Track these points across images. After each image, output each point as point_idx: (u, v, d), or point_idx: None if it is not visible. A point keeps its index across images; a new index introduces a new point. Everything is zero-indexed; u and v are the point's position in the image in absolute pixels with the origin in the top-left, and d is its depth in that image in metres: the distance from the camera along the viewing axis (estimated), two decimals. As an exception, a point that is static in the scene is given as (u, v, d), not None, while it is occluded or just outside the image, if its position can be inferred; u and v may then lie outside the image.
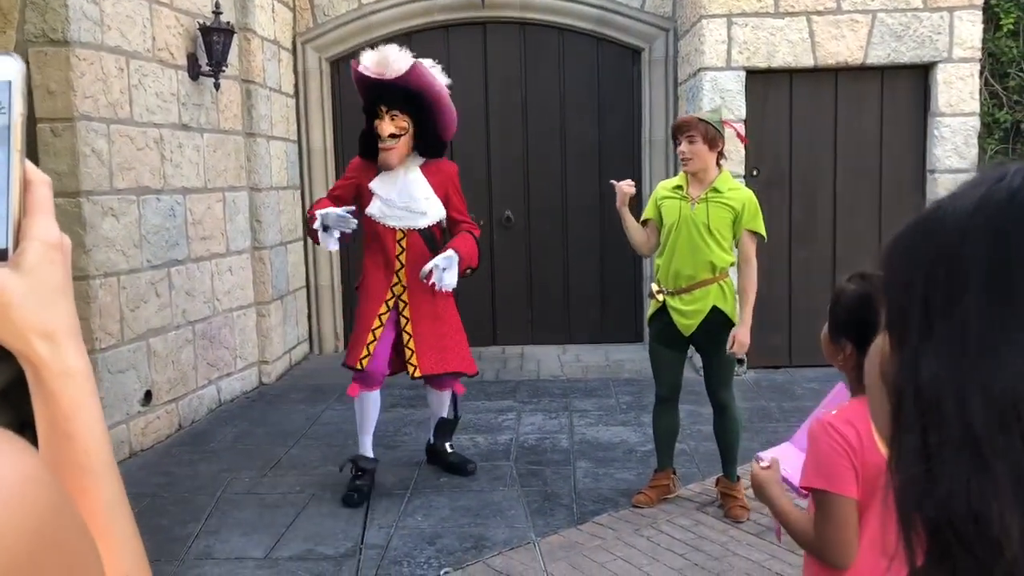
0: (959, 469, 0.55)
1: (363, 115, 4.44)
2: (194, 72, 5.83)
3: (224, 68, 5.97)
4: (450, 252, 4.30)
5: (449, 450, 4.83)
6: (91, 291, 4.74)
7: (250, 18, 6.51)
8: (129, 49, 5.12)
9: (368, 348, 4.37)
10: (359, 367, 4.38)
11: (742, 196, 4.02)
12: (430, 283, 4.26)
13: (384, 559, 3.79)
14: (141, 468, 4.91)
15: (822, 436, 1.70)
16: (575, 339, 7.92)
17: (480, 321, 7.86)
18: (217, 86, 6.05)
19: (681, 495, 4.40)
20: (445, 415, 4.80)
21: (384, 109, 4.26)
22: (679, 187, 4.12)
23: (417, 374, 4.45)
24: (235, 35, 6.12)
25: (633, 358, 7.36)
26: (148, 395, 5.25)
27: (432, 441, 4.87)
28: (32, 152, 4.80)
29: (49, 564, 0.52)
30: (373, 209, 4.38)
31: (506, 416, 5.82)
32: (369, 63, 4.27)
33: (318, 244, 4.41)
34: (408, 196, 4.36)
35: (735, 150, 6.32)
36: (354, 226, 4.29)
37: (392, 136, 4.27)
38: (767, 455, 1.89)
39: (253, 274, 6.75)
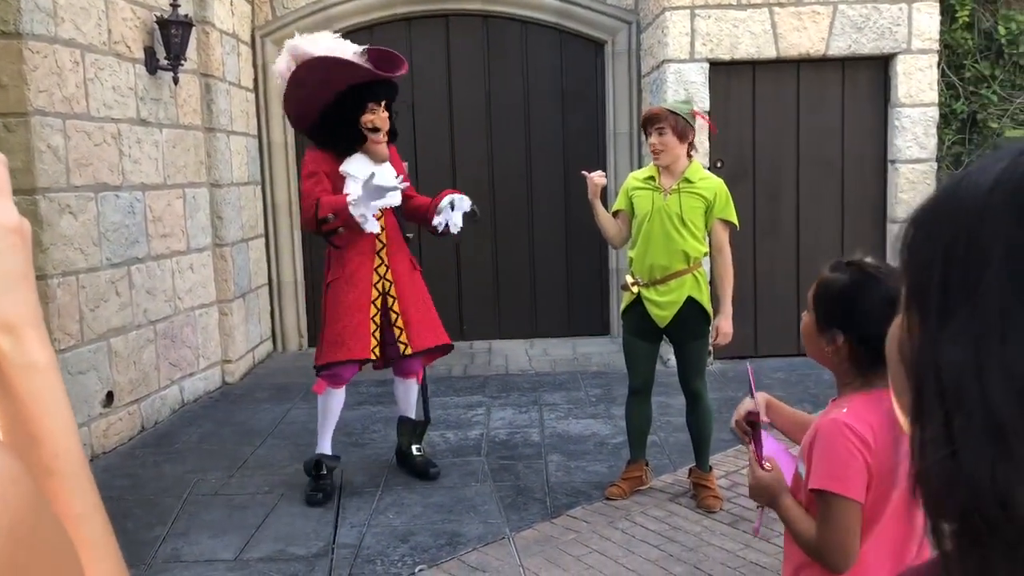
0: (984, 454, 0.53)
1: (320, 107, 4.31)
2: (152, 66, 5.70)
3: (183, 62, 5.85)
4: (461, 194, 4.49)
5: (416, 452, 4.68)
6: (49, 291, 4.62)
7: (208, 11, 6.39)
8: (84, 42, 4.99)
9: (374, 337, 4.38)
10: (373, 356, 4.38)
11: (713, 185, 4.03)
12: (437, 224, 4.42)
13: (357, 558, 3.74)
14: (104, 471, 4.80)
15: (838, 437, 1.63)
16: (542, 333, 7.91)
17: (447, 316, 7.76)
18: (176, 80, 5.93)
19: (654, 487, 4.40)
20: (412, 415, 4.72)
21: (379, 104, 4.35)
22: (651, 178, 4.11)
23: (409, 351, 4.47)
24: (193, 28, 6.00)
25: (601, 351, 7.37)
26: (110, 396, 5.14)
27: (399, 444, 4.77)
28: (-15, 148, 4.66)
29: (27, 565, 0.49)
30: (350, 190, 4.30)
31: (476, 411, 5.79)
32: (328, 50, 4.25)
33: (365, 229, 4.23)
34: (383, 175, 4.34)
35: (699, 141, 6.35)
36: (402, 182, 4.32)
37: (380, 129, 4.37)
38: (766, 456, 1.83)
39: (214, 272, 6.63)
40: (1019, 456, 0.52)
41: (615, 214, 4.25)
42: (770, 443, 1.88)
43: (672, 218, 4.00)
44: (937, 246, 0.59)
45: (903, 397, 0.64)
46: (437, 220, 4.46)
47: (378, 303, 4.42)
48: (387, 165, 4.44)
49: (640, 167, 7.54)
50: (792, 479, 1.81)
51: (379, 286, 4.43)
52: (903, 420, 0.65)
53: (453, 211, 4.44)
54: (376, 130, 4.34)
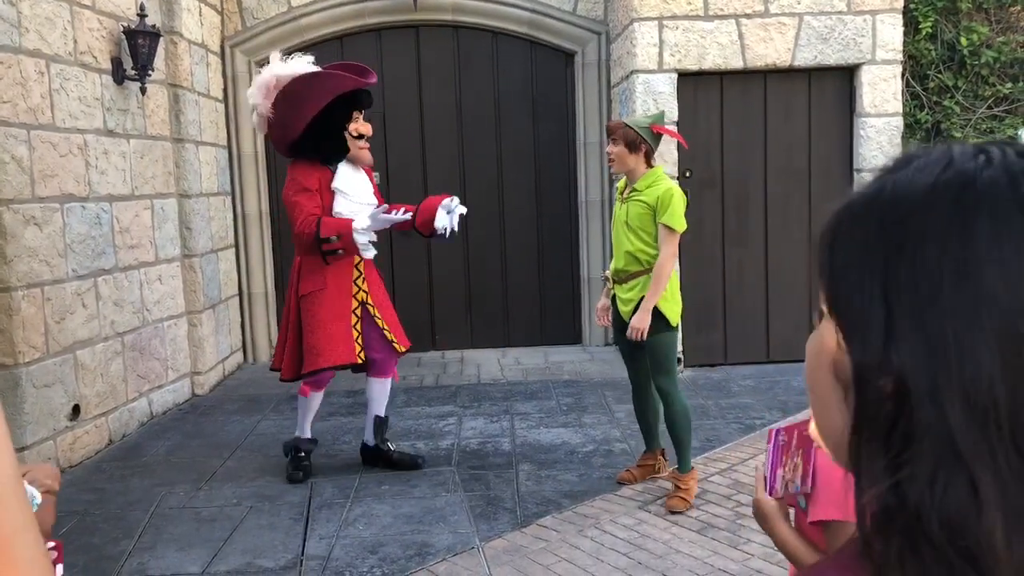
0: (936, 479, 0.52)
1: (306, 122, 4.46)
2: (119, 76, 5.66)
3: (150, 72, 5.81)
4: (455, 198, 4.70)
5: (392, 448, 4.93)
6: (13, 303, 4.57)
7: (176, 21, 6.36)
8: (49, 52, 4.95)
9: (358, 343, 4.63)
10: (360, 360, 4.63)
11: (657, 192, 4.17)
12: (440, 226, 4.58)
13: (326, 570, 3.72)
14: (70, 485, 4.74)
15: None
16: (514, 342, 7.92)
17: (419, 326, 7.81)
18: (143, 90, 5.89)
19: (622, 494, 4.42)
20: (382, 414, 4.91)
21: (361, 112, 4.63)
22: (619, 188, 4.42)
23: (402, 349, 4.81)
24: (161, 38, 5.97)
25: (572, 359, 7.39)
26: (76, 409, 5.08)
27: (371, 443, 4.93)
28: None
29: None
30: (341, 208, 4.59)
31: (447, 421, 5.78)
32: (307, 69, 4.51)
33: (359, 256, 4.54)
34: (366, 191, 4.71)
35: (667, 151, 6.40)
36: (407, 215, 4.54)
37: (364, 136, 4.66)
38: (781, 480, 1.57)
39: (183, 283, 6.59)
40: (979, 483, 0.51)
41: None
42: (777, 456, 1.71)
43: (623, 225, 4.26)
44: (875, 264, 0.57)
45: (830, 417, 0.62)
46: (441, 225, 4.62)
47: (358, 312, 4.67)
48: (356, 176, 4.69)
49: (610, 177, 7.61)
50: (797, 510, 1.69)
51: (358, 296, 4.68)
52: (820, 440, 0.64)
53: (450, 214, 4.65)
54: (361, 136, 4.62)
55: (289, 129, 4.49)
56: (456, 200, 4.69)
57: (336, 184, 4.60)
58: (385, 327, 4.75)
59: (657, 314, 4.16)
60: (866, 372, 0.56)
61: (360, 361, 4.64)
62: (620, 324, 4.37)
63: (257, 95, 4.53)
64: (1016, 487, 0.51)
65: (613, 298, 4.39)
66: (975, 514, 0.51)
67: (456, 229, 4.69)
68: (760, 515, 1.57)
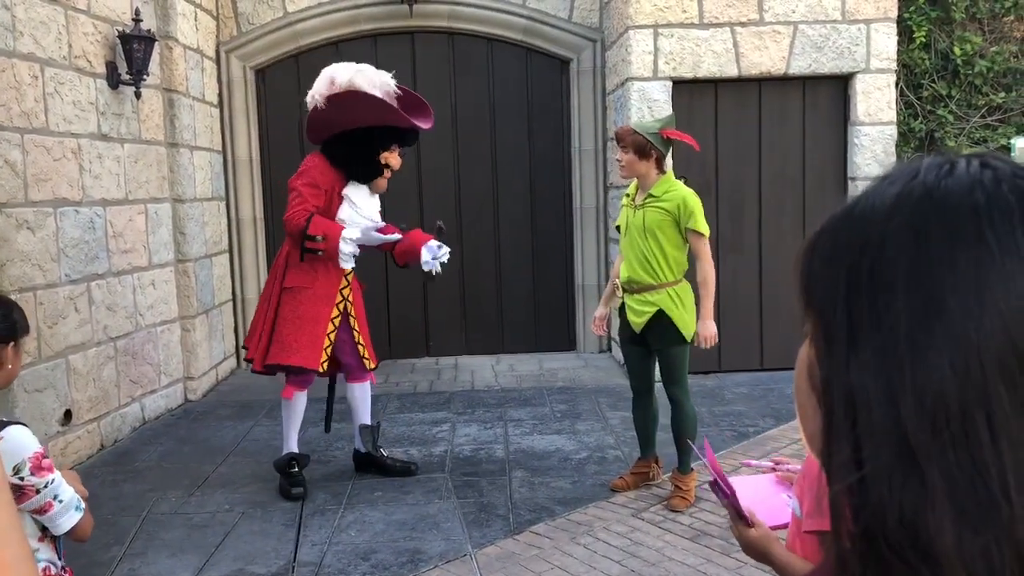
0: (892, 477, 0.54)
1: (346, 128, 4.51)
2: (114, 81, 5.66)
3: (145, 77, 5.81)
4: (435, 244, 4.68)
5: (385, 455, 4.93)
6: (5, 307, 4.54)
7: (172, 26, 6.36)
8: (44, 56, 4.95)
9: (326, 352, 4.58)
10: (321, 370, 4.60)
11: (676, 197, 4.17)
12: (430, 265, 4.60)
13: (318, 576, 3.71)
14: (61, 491, 4.72)
15: None
16: (509, 349, 7.91)
17: (413, 333, 7.81)
18: (138, 95, 5.88)
19: (616, 501, 4.41)
20: (368, 420, 4.91)
21: (399, 147, 4.68)
22: (629, 194, 4.38)
23: (372, 366, 4.83)
24: (156, 43, 5.96)
25: (566, 366, 7.38)
26: (68, 414, 5.06)
27: (362, 449, 4.92)
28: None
29: None
30: (344, 215, 4.58)
31: (441, 427, 5.77)
32: (382, 86, 4.50)
33: (341, 264, 4.50)
34: (373, 209, 4.72)
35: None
36: (395, 237, 4.61)
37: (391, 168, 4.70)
38: (744, 503, 1.59)
39: (177, 288, 6.57)
40: (927, 477, 0.53)
41: (618, 228, 4.48)
42: (746, 487, 1.74)
43: (639, 231, 4.22)
44: (839, 272, 0.59)
45: (809, 422, 0.64)
46: (428, 265, 4.62)
47: (336, 321, 4.63)
48: (370, 194, 4.72)
49: (605, 183, 7.63)
50: (791, 517, 1.73)
51: (340, 306, 4.64)
52: (807, 445, 0.65)
53: (435, 259, 4.64)
54: (387, 167, 4.65)
55: (331, 125, 4.53)
56: (445, 249, 4.66)
57: (347, 191, 4.60)
58: (360, 341, 4.75)
59: (673, 327, 4.20)
60: (832, 374, 0.59)
61: (322, 371, 4.64)
62: (629, 333, 4.36)
63: (322, 85, 4.49)
64: (965, 485, 0.52)
65: (621, 307, 4.36)
66: (927, 512, 0.52)
67: (439, 271, 4.69)
68: (751, 547, 1.59)
